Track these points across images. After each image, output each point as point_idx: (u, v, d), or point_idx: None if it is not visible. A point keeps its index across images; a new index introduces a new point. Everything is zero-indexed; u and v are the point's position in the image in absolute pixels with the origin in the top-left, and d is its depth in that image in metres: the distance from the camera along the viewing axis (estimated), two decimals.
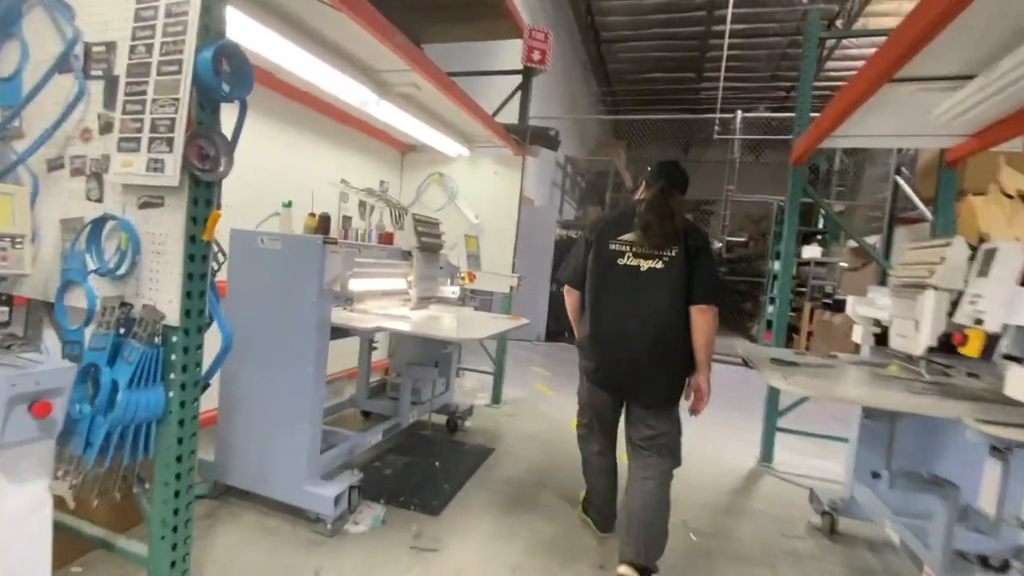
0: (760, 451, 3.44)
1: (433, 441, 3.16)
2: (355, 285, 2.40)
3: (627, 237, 1.90)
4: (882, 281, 6.24)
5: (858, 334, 2.43)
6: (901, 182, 5.56)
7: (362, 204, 2.83)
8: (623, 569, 1.78)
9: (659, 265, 1.85)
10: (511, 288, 4.01)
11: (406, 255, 2.58)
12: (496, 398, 4.11)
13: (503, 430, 3.55)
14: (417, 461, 2.81)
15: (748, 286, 11.02)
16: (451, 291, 3.19)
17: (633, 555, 1.79)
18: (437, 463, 2.81)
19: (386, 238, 2.57)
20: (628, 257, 1.88)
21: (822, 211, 9.76)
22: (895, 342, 1.90)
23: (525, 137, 3.67)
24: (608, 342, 1.91)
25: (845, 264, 8.39)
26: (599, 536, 2.24)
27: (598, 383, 1.99)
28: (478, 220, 4.04)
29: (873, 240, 7.65)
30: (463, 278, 3.18)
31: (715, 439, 3.86)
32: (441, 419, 3.39)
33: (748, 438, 3.95)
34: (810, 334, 8.42)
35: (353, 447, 2.39)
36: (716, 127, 6.79)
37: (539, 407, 4.23)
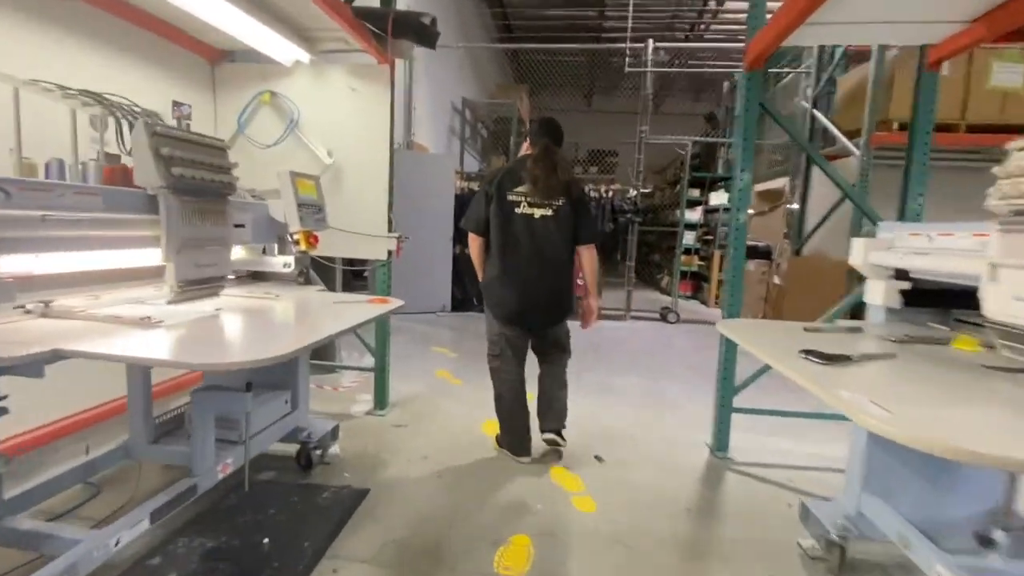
0: (712, 438, 2.75)
1: (270, 494, 2.06)
2: (44, 264, 1.21)
3: (521, 189, 2.20)
4: (799, 227, 5.98)
5: (875, 292, 1.68)
6: (819, 115, 5.15)
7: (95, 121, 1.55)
8: (549, 436, 2.43)
9: (549, 212, 2.21)
10: (389, 253, 2.92)
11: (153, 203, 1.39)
12: (380, 402, 3.05)
13: (387, 452, 2.53)
14: (229, 545, 1.72)
15: (656, 236, 10.73)
16: (282, 263, 2.04)
17: (555, 425, 2.43)
18: (267, 540, 1.74)
19: (112, 174, 1.34)
20: (523, 207, 2.20)
21: (729, 151, 9.57)
22: (998, 307, 1.12)
23: (387, 28, 2.50)
24: (515, 282, 2.23)
25: (751, 210, 8.22)
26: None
27: (509, 319, 2.30)
28: (332, 159, 2.85)
29: (780, 183, 7.46)
30: (297, 241, 2.03)
31: (653, 420, 3.15)
32: (292, 449, 2.29)
33: (688, 414, 3.29)
34: (720, 282, 8.23)
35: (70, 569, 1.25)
36: (627, 57, 5.94)
37: (440, 406, 3.25)
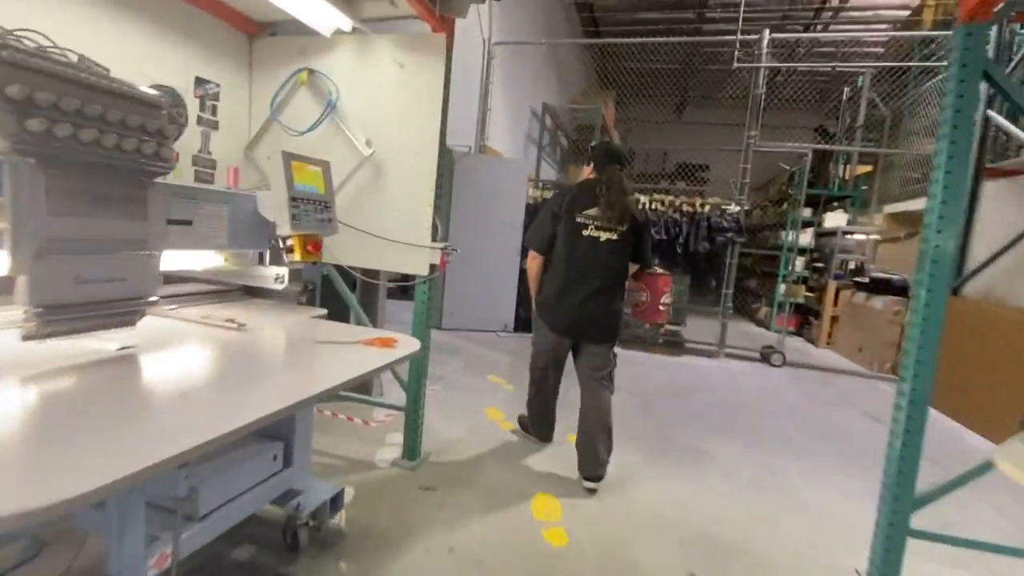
0: (872, 567, 1.85)
1: None
2: None
3: (591, 212, 2.34)
4: (958, 259, 4.63)
5: None
6: (998, 118, 3.96)
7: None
8: (588, 486, 2.38)
9: (615, 237, 2.36)
10: (432, 268, 2.33)
11: None
12: (410, 451, 2.45)
13: (403, 531, 1.91)
14: None
15: (752, 260, 9.49)
16: (273, 276, 1.49)
17: (593, 471, 2.38)
18: None
19: None
20: (591, 229, 2.35)
21: (844, 168, 8.20)
22: None
23: None
24: (573, 297, 2.37)
25: (878, 235, 6.88)
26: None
27: (560, 330, 2.46)
28: (372, 150, 2.32)
29: (921, 204, 6.09)
30: (290, 248, 1.48)
31: (771, 521, 2.28)
32: (279, 513, 1.73)
33: (819, 512, 2.37)
34: (834, 319, 6.93)
35: None
36: (737, 50, 5.05)
37: (484, 464, 2.59)
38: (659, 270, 5.95)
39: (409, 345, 1.34)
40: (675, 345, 5.89)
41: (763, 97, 5.25)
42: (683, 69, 13.19)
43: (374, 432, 2.75)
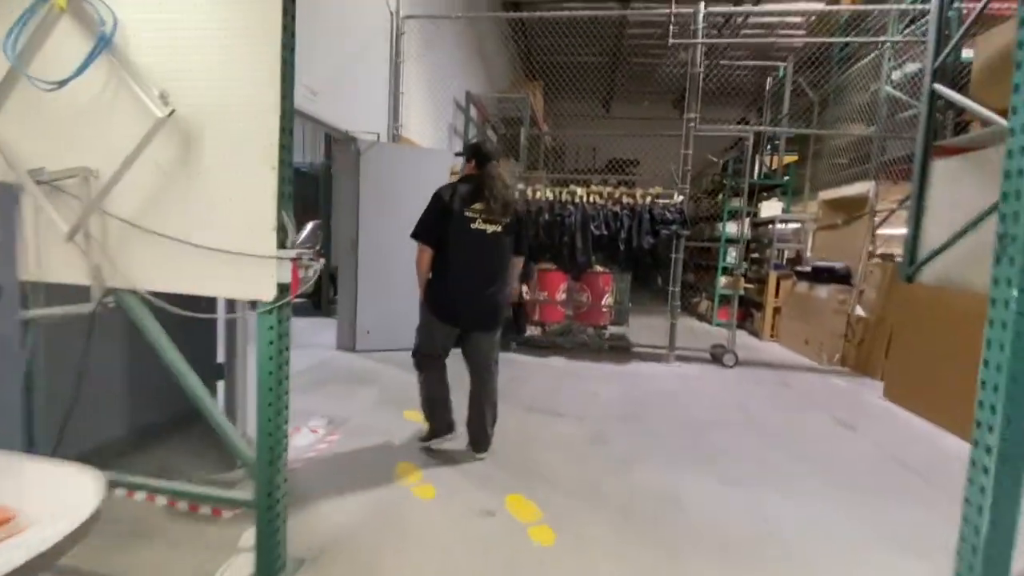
0: None
1: None
2: None
3: (478, 206, 2.45)
4: (912, 246, 4.37)
5: None
6: (948, 92, 3.69)
7: None
8: (482, 455, 2.63)
9: (500, 229, 2.50)
10: (282, 289, 1.51)
11: None
12: (266, 568, 1.61)
13: None
14: None
15: (689, 254, 9.25)
16: None
17: (485, 444, 2.65)
18: None
19: None
20: (478, 223, 2.46)
21: (771, 158, 8.10)
22: None
23: None
24: (463, 288, 2.46)
25: (814, 222, 6.75)
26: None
27: (453, 320, 2.51)
28: (170, 108, 1.47)
29: (859, 189, 5.96)
30: None
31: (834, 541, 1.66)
32: None
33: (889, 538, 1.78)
34: (777, 310, 6.73)
35: None
36: (672, 25, 4.56)
37: (397, 558, 1.81)
38: (599, 268, 5.39)
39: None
40: (622, 351, 5.35)
41: (701, 76, 4.80)
42: (610, 62, 12.98)
43: (227, 529, 1.88)
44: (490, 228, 2.46)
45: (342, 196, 4.72)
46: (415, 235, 2.54)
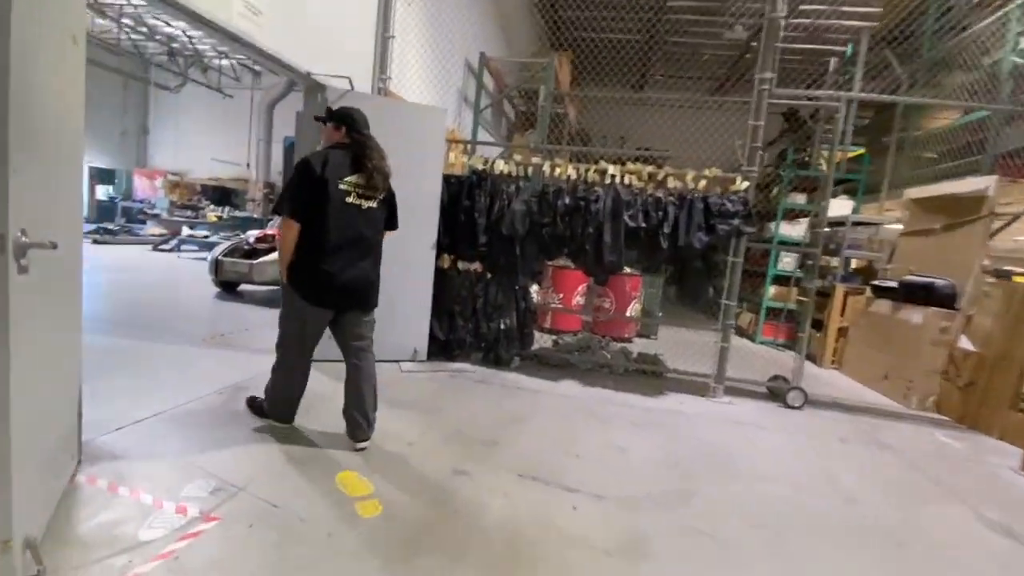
0: None
1: None
2: None
3: (352, 179, 2.25)
4: None
5: None
6: None
7: None
8: (364, 445, 2.40)
9: (375, 204, 2.35)
10: None
11: None
12: None
13: None
14: None
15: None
16: None
17: (366, 435, 2.40)
18: None
19: None
20: (353, 196, 2.26)
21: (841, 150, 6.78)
22: None
23: None
24: (341, 267, 2.26)
25: (898, 226, 5.45)
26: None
27: (328, 303, 2.31)
28: None
29: (977, 184, 4.64)
30: None
31: None
32: None
33: None
34: (842, 332, 5.48)
35: None
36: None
37: None
38: (628, 269, 4.22)
39: None
40: (653, 376, 4.18)
41: (783, 24, 3.58)
42: (646, 40, 11.67)
43: None
44: (365, 203, 2.30)
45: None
46: (280, 209, 2.23)
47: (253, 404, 2.58)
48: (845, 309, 5.42)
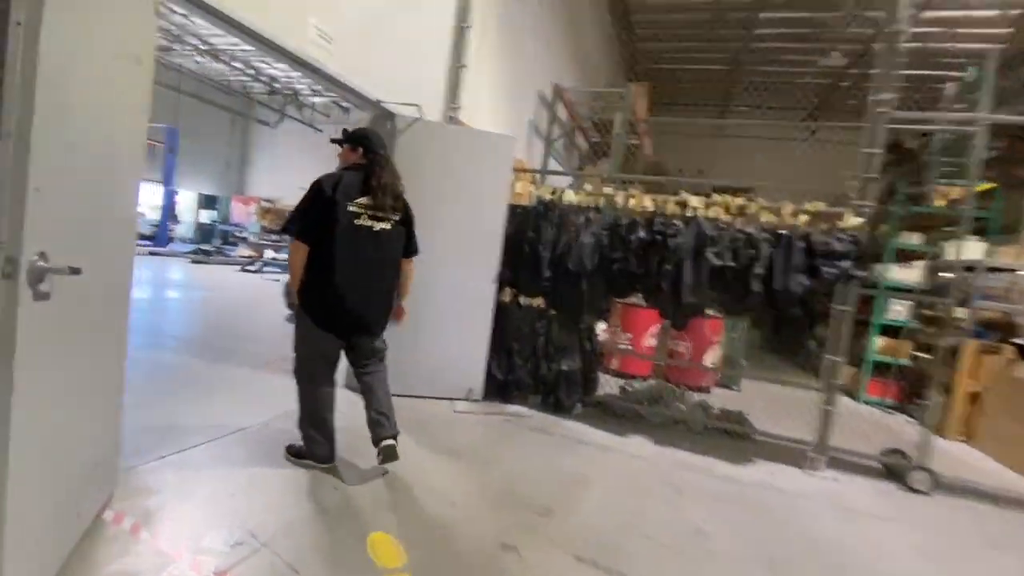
0: None
1: None
2: None
3: (364, 201, 2.17)
4: None
5: None
6: None
7: None
8: (389, 442, 2.27)
9: (388, 227, 2.25)
10: None
11: None
12: None
13: None
14: None
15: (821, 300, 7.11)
16: None
17: (391, 429, 2.30)
18: None
19: None
20: (364, 218, 2.18)
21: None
22: None
23: None
24: (353, 293, 2.17)
25: None
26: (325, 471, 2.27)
27: (340, 331, 2.24)
28: None
29: None
30: None
31: None
32: None
33: None
34: (974, 397, 4.58)
35: None
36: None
37: None
38: (709, 312, 3.75)
39: None
40: (737, 437, 3.62)
41: (904, 37, 3.08)
42: (729, 71, 11.16)
43: None
44: (378, 225, 2.22)
45: None
46: (288, 230, 2.17)
47: (291, 450, 2.41)
48: (977, 370, 4.53)
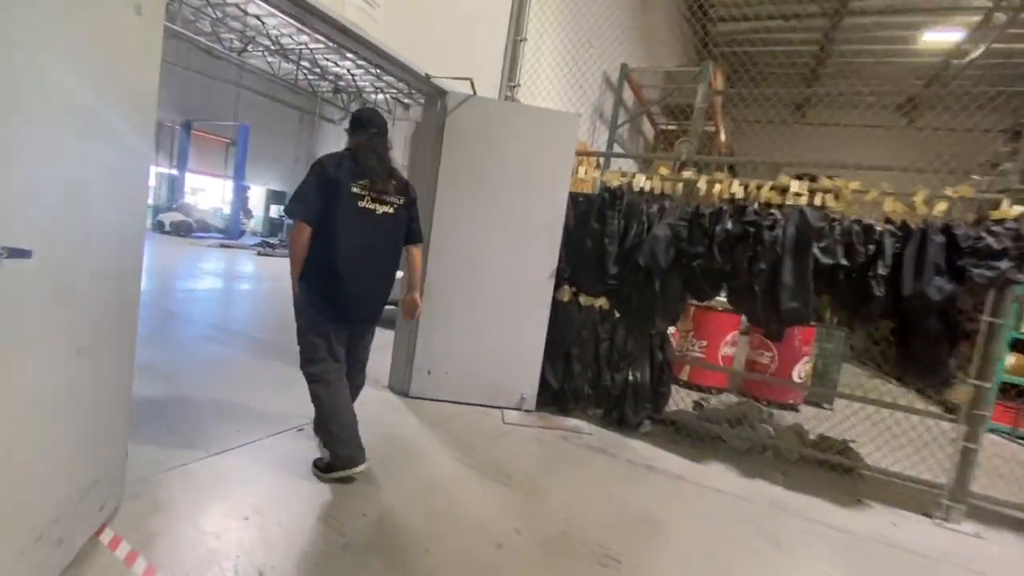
0: None
1: None
2: None
3: (364, 181, 2.02)
4: None
5: None
6: None
7: None
8: (364, 467, 2.07)
9: (391, 210, 2.10)
10: None
11: None
12: None
13: None
14: None
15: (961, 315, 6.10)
16: None
17: (362, 452, 2.08)
18: None
19: None
20: (367, 201, 2.04)
21: None
22: None
23: None
24: (357, 279, 2.03)
25: None
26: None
27: (345, 319, 2.09)
28: None
29: None
30: None
31: None
32: None
33: None
34: None
35: None
36: None
37: None
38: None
39: None
40: (842, 472, 2.99)
41: None
42: (815, 52, 10.04)
43: None
44: (380, 208, 2.06)
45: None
46: (290, 211, 2.02)
47: (319, 464, 2.15)
48: None
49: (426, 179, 3.11)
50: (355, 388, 2.25)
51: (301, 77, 13.91)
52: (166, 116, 13.23)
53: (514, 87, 3.61)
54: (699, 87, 3.91)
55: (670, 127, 7.47)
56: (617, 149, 5.69)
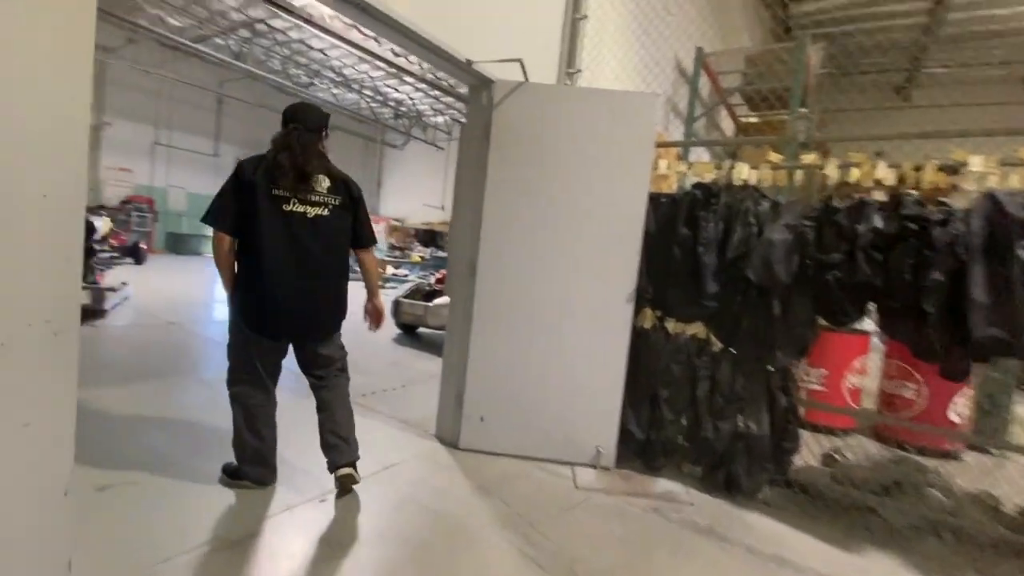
0: None
1: None
2: None
3: (288, 183, 1.84)
4: None
5: None
6: None
7: None
8: (347, 470, 1.96)
9: (325, 212, 1.91)
10: None
11: None
12: None
13: None
14: None
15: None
16: None
17: (349, 457, 1.98)
18: None
19: None
20: (293, 204, 1.86)
21: None
22: None
23: None
24: (284, 290, 1.86)
25: None
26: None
27: (273, 333, 1.92)
28: None
29: None
30: None
31: None
32: None
33: None
34: None
35: None
36: None
37: None
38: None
39: None
40: None
41: None
42: (920, 29, 8.61)
43: None
44: (312, 210, 1.87)
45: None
46: (206, 219, 1.83)
47: (226, 471, 2.06)
48: None
49: (472, 188, 2.58)
50: (336, 394, 2.07)
51: (364, 105, 14.22)
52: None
53: (573, 74, 3.03)
54: (797, 58, 3.10)
55: (751, 119, 6.55)
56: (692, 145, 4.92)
